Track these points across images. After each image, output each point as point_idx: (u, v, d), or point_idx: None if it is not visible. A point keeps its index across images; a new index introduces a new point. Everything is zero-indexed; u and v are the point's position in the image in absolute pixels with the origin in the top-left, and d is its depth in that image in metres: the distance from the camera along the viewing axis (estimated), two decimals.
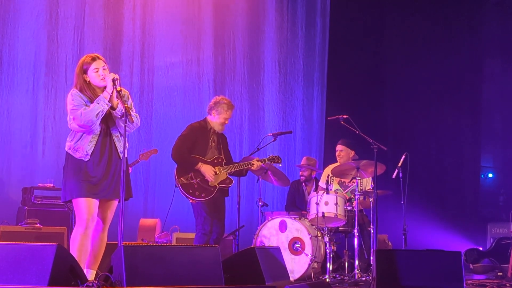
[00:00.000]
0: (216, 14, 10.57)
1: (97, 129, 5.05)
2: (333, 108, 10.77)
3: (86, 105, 5.00)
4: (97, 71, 5.09)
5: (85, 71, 5.10)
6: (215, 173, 6.83)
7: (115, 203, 5.20)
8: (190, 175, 6.80)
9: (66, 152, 5.10)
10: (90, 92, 5.08)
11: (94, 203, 5.01)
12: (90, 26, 9.68)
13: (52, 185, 8.33)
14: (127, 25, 9.95)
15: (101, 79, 5.08)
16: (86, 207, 4.97)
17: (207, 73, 10.44)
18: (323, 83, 11.32)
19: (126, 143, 5.20)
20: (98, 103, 5.00)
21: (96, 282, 4.28)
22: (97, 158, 5.04)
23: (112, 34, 9.84)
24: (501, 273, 8.77)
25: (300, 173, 8.88)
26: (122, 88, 5.12)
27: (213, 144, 6.99)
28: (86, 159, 5.01)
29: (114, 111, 5.10)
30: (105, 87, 5.09)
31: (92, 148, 5.03)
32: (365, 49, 11.51)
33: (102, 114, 5.01)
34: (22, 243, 4.66)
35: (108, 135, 5.14)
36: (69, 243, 5.04)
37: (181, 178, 6.82)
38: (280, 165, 7.34)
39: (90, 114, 4.95)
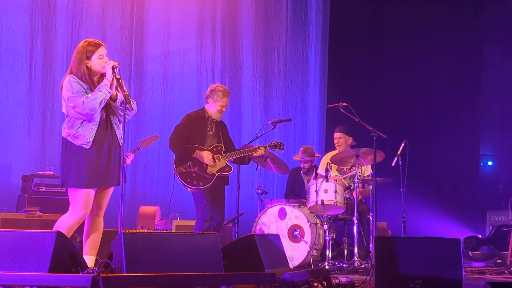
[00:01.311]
0: (215, 3, 10.54)
1: (97, 116, 5.04)
2: (332, 96, 10.79)
3: (86, 93, 4.99)
4: (102, 58, 5.08)
5: (88, 58, 5.08)
6: (213, 158, 6.84)
7: (111, 190, 5.24)
8: (188, 164, 6.80)
9: (64, 138, 5.07)
10: (90, 78, 5.07)
11: (92, 194, 5.03)
12: (88, 14, 9.66)
13: (51, 172, 8.35)
14: (126, 13, 9.93)
15: (103, 67, 5.08)
16: (84, 199, 4.98)
17: (206, 62, 10.43)
18: (325, 70, 11.30)
19: (121, 130, 5.20)
20: (101, 91, 4.99)
21: (96, 269, 4.29)
22: (98, 146, 5.04)
23: (110, 23, 9.82)
24: (500, 261, 8.79)
25: (301, 165, 8.86)
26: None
27: (211, 132, 6.98)
28: (88, 147, 5.01)
29: (113, 102, 5.10)
30: (102, 74, 5.09)
31: (93, 136, 5.03)
32: (366, 37, 11.49)
33: (104, 102, 5.01)
34: (22, 230, 4.66)
35: (107, 122, 5.13)
36: (57, 223, 5.01)
37: (179, 167, 6.83)
38: (282, 151, 7.34)
39: (93, 102, 4.94)
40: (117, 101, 5.10)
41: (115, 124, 5.17)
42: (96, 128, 5.04)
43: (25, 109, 9.18)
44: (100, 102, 4.97)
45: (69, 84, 5.02)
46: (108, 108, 5.13)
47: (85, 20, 9.62)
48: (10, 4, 9.23)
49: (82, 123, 5.02)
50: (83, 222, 5.15)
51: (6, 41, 9.18)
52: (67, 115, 5.09)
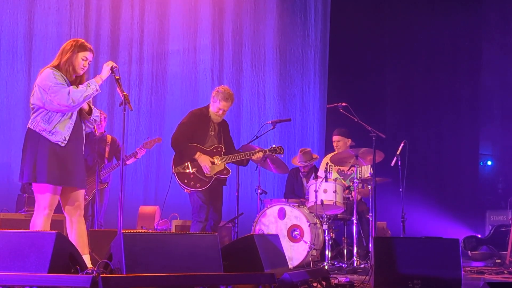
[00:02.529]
0: (214, 3, 10.54)
1: (75, 116, 5.07)
2: (332, 96, 10.78)
3: (68, 86, 5.00)
4: (85, 61, 5.11)
5: (77, 53, 5.09)
6: (213, 163, 6.84)
7: (83, 190, 5.26)
8: (186, 165, 6.80)
9: (36, 132, 5.00)
10: (71, 73, 5.09)
11: (59, 192, 5.07)
12: (89, 14, 9.67)
13: None
14: (126, 13, 9.94)
15: (81, 68, 5.11)
16: (53, 196, 5.02)
17: (205, 61, 10.44)
18: (325, 70, 11.29)
19: (103, 132, 5.22)
20: (89, 86, 5.00)
21: (95, 269, 4.30)
22: (71, 145, 5.06)
23: (111, 22, 9.83)
24: (499, 260, 8.80)
25: (302, 169, 8.85)
26: (98, 110, 5.22)
27: (213, 132, 6.98)
28: (63, 145, 5.01)
29: (87, 114, 5.14)
30: (76, 77, 5.11)
31: (69, 135, 5.04)
32: (365, 37, 11.48)
33: (89, 98, 5.03)
34: (21, 230, 4.67)
35: (80, 125, 5.17)
36: (30, 227, 5.03)
37: (177, 167, 6.83)
38: (282, 155, 7.35)
39: (79, 95, 4.95)
40: (90, 115, 5.16)
41: (84, 130, 5.24)
42: (72, 128, 5.06)
43: (24, 109, 9.18)
44: (85, 97, 4.99)
45: (52, 75, 5.00)
46: (81, 114, 5.15)
47: (85, 20, 9.63)
48: (10, 4, 9.23)
49: (60, 119, 5.01)
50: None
51: (5, 41, 9.19)
52: (40, 108, 5.02)
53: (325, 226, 7.39)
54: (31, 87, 9.16)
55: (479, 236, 10.28)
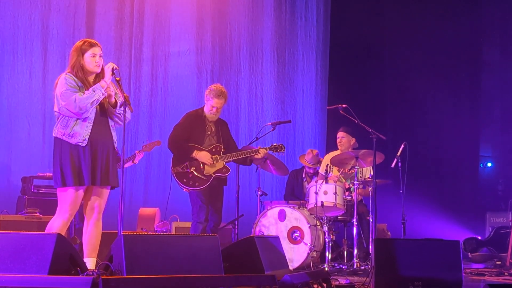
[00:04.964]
0: (214, 4, 10.54)
1: (92, 115, 5.06)
2: (332, 97, 10.78)
3: (81, 90, 5.01)
4: (94, 57, 5.11)
5: (82, 54, 5.10)
6: (212, 159, 6.83)
7: (107, 191, 5.23)
8: (185, 164, 6.81)
9: (58, 138, 5.04)
10: (83, 76, 5.09)
11: (81, 193, 5.05)
12: (90, 15, 9.66)
13: (51, 174, 8.31)
14: (125, 15, 9.94)
15: (96, 65, 5.10)
16: (73, 198, 5.00)
17: (205, 63, 10.42)
18: (325, 71, 11.29)
19: (115, 133, 5.21)
20: (94, 91, 5.01)
21: (96, 271, 4.30)
22: (93, 144, 5.05)
23: (110, 24, 9.82)
24: (499, 262, 8.80)
25: (308, 170, 8.83)
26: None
27: (209, 132, 6.98)
28: (84, 145, 5.01)
29: (112, 108, 5.13)
30: (96, 74, 5.13)
31: (89, 134, 5.04)
32: (365, 39, 11.47)
33: (96, 103, 5.03)
34: (22, 232, 4.66)
35: (104, 123, 5.16)
36: (47, 228, 5.02)
37: (176, 167, 6.83)
38: (283, 153, 7.34)
39: (85, 101, 4.96)
40: (116, 108, 5.14)
41: (111, 126, 5.21)
42: (91, 126, 5.06)
43: (25, 110, 9.18)
44: (92, 103, 4.99)
45: (64, 80, 5.03)
46: (107, 110, 5.15)
47: (86, 21, 9.62)
48: (10, 5, 9.22)
49: (76, 121, 5.02)
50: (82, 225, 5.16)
51: (6, 42, 9.17)
52: (59, 114, 5.07)
53: (325, 228, 7.39)
54: (32, 88, 9.23)
55: (479, 237, 10.27)
